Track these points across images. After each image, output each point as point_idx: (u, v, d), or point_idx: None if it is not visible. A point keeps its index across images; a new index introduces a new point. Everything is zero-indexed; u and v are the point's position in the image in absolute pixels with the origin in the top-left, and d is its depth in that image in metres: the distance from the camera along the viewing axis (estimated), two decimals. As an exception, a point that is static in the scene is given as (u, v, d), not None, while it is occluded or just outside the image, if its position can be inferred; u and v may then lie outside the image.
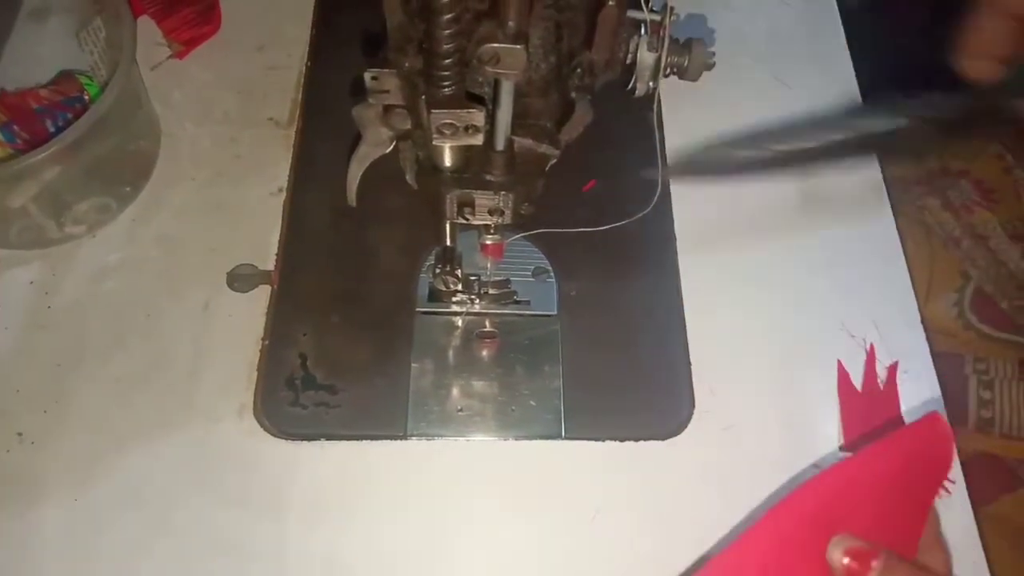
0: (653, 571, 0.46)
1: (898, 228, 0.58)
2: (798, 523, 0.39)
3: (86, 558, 0.45)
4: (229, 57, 0.62)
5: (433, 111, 0.35)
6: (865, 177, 0.59)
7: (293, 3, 0.65)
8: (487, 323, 0.54)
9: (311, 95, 0.60)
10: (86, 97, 0.57)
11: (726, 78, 0.63)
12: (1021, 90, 0.42)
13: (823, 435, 0.50)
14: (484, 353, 0.53)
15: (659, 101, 0.61)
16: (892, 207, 0.60)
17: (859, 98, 0.64)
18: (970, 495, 0.49)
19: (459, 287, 0.51)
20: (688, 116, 0.61)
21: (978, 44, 0.44)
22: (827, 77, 0.64)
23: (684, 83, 0.60)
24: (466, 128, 0.36)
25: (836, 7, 0.68)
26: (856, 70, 0.65)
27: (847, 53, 0.66)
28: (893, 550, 0.38)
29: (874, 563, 0.36)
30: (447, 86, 0.34)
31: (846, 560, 0.37)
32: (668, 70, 0.39)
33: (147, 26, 0.62)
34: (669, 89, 0.62)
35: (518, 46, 0.33)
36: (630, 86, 0.38)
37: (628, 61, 0.37)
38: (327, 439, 0.49)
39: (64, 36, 0.57)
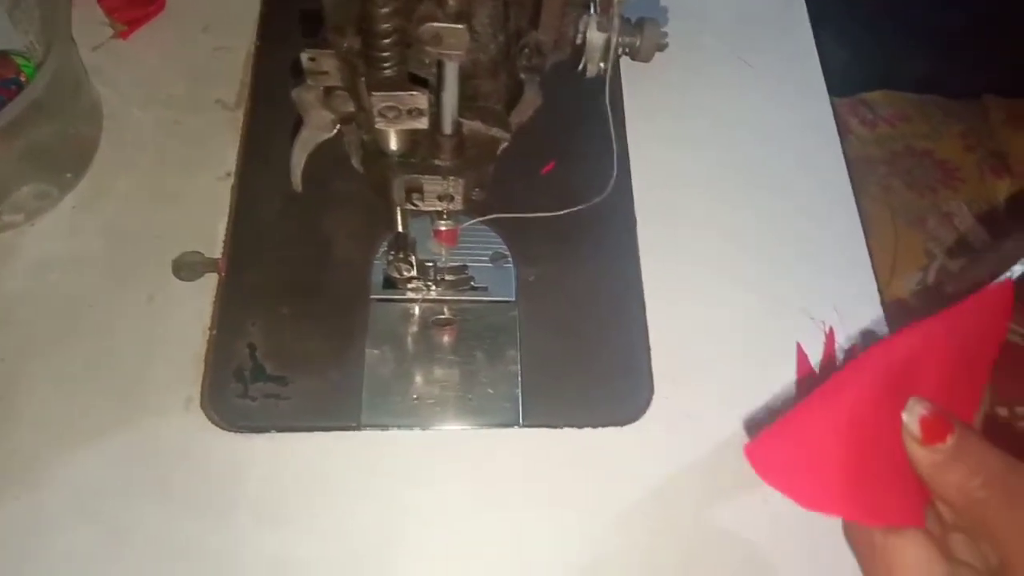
0: (612, 555, 0.46)
1: (860, 209, 0.58)
2: (874, 378, 0.36)
3: (30, 557, 0.44)
4: (174, 37, 0.60)
5: (374, 94, 0.33)
6: (826, 159, 0.59)
7: (241, -20, 0.62)
8: (444, 310, 0.53)
9: (260, 76, 0.58)
10: (23, 78, 0.55)
11: (689, 58, 0.63)
12: None
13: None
14: (441, 340, 0.52)
15: (620, 82, 0.60)
16: (855, 189, 0.59)
17: (822, 80, 0.63)
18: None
19: (414, 274, 0.50)
20: (650, 98, 0.60)
21: None
22: (791, 59, 0.64)
23: (648, 64, 0.60)
24: (409, 111, 0.34)
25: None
26: (820, 52, 0.65)
27: (810, 34, 0.65)
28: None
29: (949, 438, 0.33)
30: (388, 67, 0.33)
31: (920, 430, 0.34)
32: (620, 51, 0.38)
33: (88, 5, 0.60)
34: (631, 70, 0.61)
35: (460, 25, 0.31)
36: (580, 67, 0.37)
37: (577, 42, 0.36)
38: (277, 431, 0.48)
39: (-3, 15, 0.54)
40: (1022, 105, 0.76)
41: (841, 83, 0.74)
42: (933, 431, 0.34)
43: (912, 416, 0.34)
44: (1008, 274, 0.39)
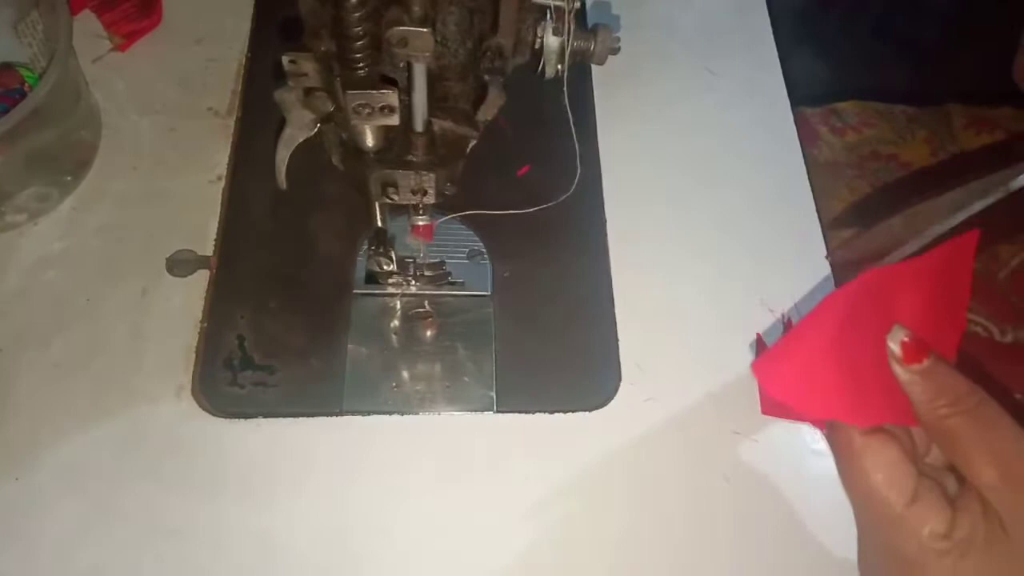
0: (583, 531, 0.48)
1: (829, 210, 0.61)
2: (859, 306, 0.40)
3: (26, 539, 0.47)
4: (170, 49, 0.63)
5: (348, 92, 0.36)
6: (787, 161, 0.62)
7: (233, -4, 0.66)
8: (424, 303, 0.55)
9: (250, 86, 0.62)
10: (27, 88, 0.58)
11: (657, 66, 0.66)
12: None
13: (742, 405, 0.52)
14: (420, 332, 0.55)
15: (591, 88, 0.64)
16: (824, 192, 0.62)
17: (783, 86, 0.66)
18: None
19: (394, 268, 0.53)
20: (621, 102, 0.64)
21: None
22: (754, 67, 0.67)
23: (618, 70, 0.63)
24: (381, 108, 0.37)
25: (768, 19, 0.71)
26: (794, 66, 0.68)
27: (773, 43, 0.68)
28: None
29: (925, 361, 0.36)
30: (360, 68, 0.36)
31: (901, 352, 0.37)
32: (577, 56, 0.41)
33: (88, 20, 0.63)
34: (602, 75, 0.64)
35: (424, 29, 0.34)
36: (539, 70, 0.40)
37: (536, 46, 0.39)
38: (265, 417, 0.50)
39: (2, 29, 0.58)
40: (981, 111, 0.79)
41: (813, 94, 0.77)
42: (912, 354, 0.37)
43: (895, 340, 0.37)
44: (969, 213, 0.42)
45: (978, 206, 0.46)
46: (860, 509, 0.38)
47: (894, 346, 0.37)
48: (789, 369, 0.40)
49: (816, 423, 0.43)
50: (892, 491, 0.36)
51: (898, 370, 0.37)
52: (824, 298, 0.40)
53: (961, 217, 0.46)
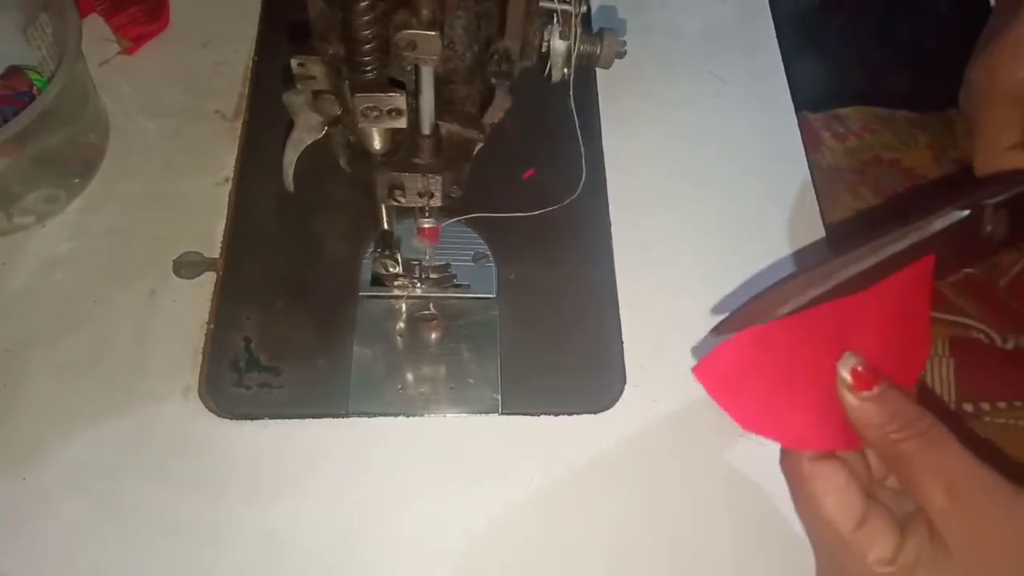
0: (587, 535, 0.48)
1: (831, 214, 0.61)
2: (812, 331, 0.40)
3: (33, 538, 0.47)
4: (177, 53, 0.64)
5: (356, 95, 0.37)
6: (792, 164, 0.62)
7: (240, 0, 0.66)
8: (429, 306, 0.56)
9: (257, 89, 0.62)
10: (35, 91, 0.58)
11: (662, 70, 0.67)
12: None
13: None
14: (425, 334, 0.55)
15: (596, 92, 0.64)
16: (827, 196, 0.62)
17: (787, 90, 0.66)
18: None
19: (399, 271, 0.53)
20: (625, 106, 0.64)
21: (995, 139, 0.45)
22: (759, 71, 0.67)
23: (622, 74, 0.63)
24: (389, 111, 0.37)
25: (767, 5, 0.71)
26: (798, 73, 0.68)
27: (777, 48, 0.69)
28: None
29: (876, 388, 0.37)
30: (369, 71, 0.36)
31: (851, 379, 0.38)
32: (583, 59, 0.41)
33: (97, 23, 0.64)
34: (607, 79, 0.65)
35: (432, 32, 0.35)
36: (546, 73, 0.40)
37: (543, 49, 0.40)
38: (271, 418, 0.51)
39: (12, 33, 0.58)
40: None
41: (815, 99, 0.78)
42: (862, 381, 0.37)
43: (845, 367, 0.38)
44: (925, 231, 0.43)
45: (885, 252, 0.47)
46: (811, 534, 0.39)
47: (845, 373, 0.38)
48: (733, 376, 0.40)
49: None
50: (840, 516, 0.37)
51: (848, 397, 0.38)
52: (777, 322, 0.40)
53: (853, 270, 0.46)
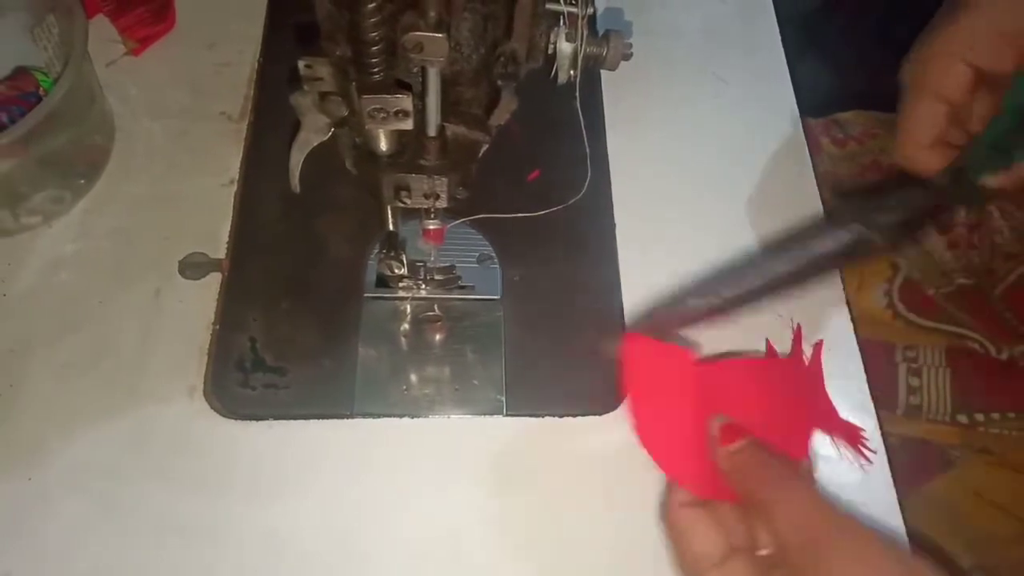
0: (591, 536, 0.49)
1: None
2: (715, 391, 0.48)
3: (37, 537, 0.47)
4: (183, 54, 0.64)
5: (363, 96, 0.37)
6: (796, 168, 0.62)
7: (245, 2, 0.67)
8: (434, 307, 0.56)
9: (262, 91, 0.62)
10: (41, 92, 0.59)
11: (666, 71, 0.67)
12: (982, 169, 0.44)
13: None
14: (430, 336, 0.55)
15: (600, 94, 0.64)
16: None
17: (792, 92, 0.66)
18: (901, 478, 0.52)
19: (404, 272, 0.53)
20: (630, 106, 0.64)
21: (915, 133, 0.46)
22: (762, 72, 0.67)
23: (627, 75, 0.63)
24: (396, 112, 0.38)
25: (771, 5, 0.71)
26: (801, 78, 0.68)
27: (781, 49, 0.69)
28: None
29: (741, 441, 0.43)
30: (376, 73, 0.36)
31: (719, 434, 0.44)
32: (590, 61, 0.41)
33: (103, 25, 0.64)
34: (611, 80, 0.65)
35: (439, 34, 0.35)
36: (552, 75, 0.40)
37: (549, 51, 0.40)
38: (276, 419, 0.51)
39: (19, 33, 0.58)
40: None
41: (815, 104, 0.78)
42: (729, 435, 0.44)
43: (715, 424, 0.44)
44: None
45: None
46: (678, 566, 0.44)
47: (714, 430, 0.44)
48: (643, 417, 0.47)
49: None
50: (702, 552, 0.41)
51: (717, 449, 0.44)
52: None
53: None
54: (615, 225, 0.59)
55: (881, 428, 0.53)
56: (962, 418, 0.64)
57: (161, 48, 0.64)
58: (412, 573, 0.47)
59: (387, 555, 0.48)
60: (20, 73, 0.60)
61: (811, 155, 0.64)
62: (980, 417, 0.64)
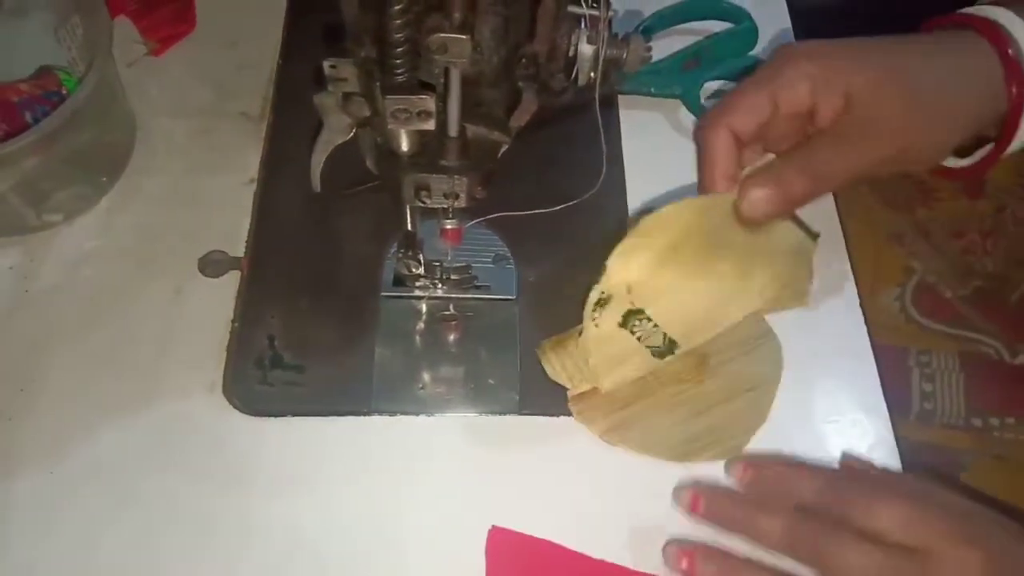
0: (606, 534, 0.49)
1: (844, 227, 0.61)
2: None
3: (59, 528, 0.48)
4: (203, 54, 0.65)
5: (387, 97, 0.37)
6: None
7: (266, 2, 0.67)
8: (450, 307, 0.56)
9: (282, 90, 0.63)
10: (64, 91, 0.59)
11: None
12: None
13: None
14: (446, 335, 0.56)
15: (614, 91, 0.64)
16: (839, 208, 0.62)
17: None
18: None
19: (421, 271, 0.54)
20: (644, 102, 0.64)
21: (710, 164, 0.50)
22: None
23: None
24: (418, 113, 0.38)
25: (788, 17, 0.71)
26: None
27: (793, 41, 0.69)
28: None
29: None
30: (400, 74, 0.37)
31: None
32: (610, 63, 0.42)
33: (125, 25, 0.65)
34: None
35: (463, 36, 0.35)
36: (573, 76, 0.41)
37: (570, 53, 0.40)
38: (294, 416, 0.51)
39: (43, 33, 0.59)
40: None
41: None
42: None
43: None
44: None
45: None
46: None
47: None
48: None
49: None
50: None
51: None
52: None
53: None
54: (630, 227, 0.59)
55: (895, 433, 0.53)
56: (976, 423, 0.64)
57: (182, 48, 0.65)
58: (427, 567, 0.48)
59: (402, 551, 0.48)
60: (44, 72, 0.60)
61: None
62: (994, 422, 0.64)
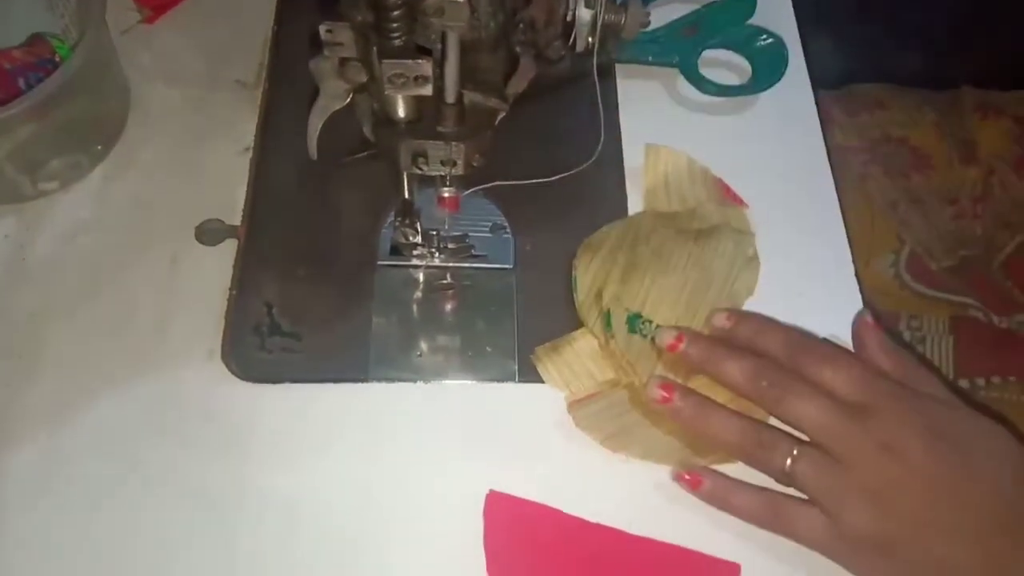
0: (604, 504, 0.49)
1: (840, 195, 0.61)
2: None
3: (58, 496, 0.48)
4: (197, 21, 0.64)
5: (384, 61, 0.37)
6: (808, 145, 0.63)
7: (258, -30, 0.67)
8: (447, 276, 0.57)
9: (277, 58, 0.63)
10: (57, 58, 0.59)
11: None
12: None
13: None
14: (443, 303, 0.56)
15: (612, 62, 0.64)
16: (836, 175, 0.62)
17: (806, 70, 0.66)
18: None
19: (418, 240, 0.54)
20: (641, 73, 0.64)
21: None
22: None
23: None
24: (415, 78, 0.38)
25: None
26: (813, 48, 0.68)
27: (794, 20, 0.68)
28: None
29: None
30: (396, 38, 0.37)
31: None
32: (608, 29, 0.42)
33: (117, -9, 0.64)
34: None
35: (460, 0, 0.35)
36: (571, 42, 0.41)
37: (568, 19, 0.40)
38: (291, 382, 0.51)
39: (35, 1, 0.59)
40: (993, 96, 0.80)
41: (827, 77, 0.77)
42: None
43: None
44: None
45: None
46: None
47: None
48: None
49: None
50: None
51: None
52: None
53: None
54: (627, 196, 0.59)
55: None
56: (964, 384, 0.65)
57: (175, 16, 0.64)
58: (426, 536, 0.48)
59: (399, 517, 0.48)
60: (36, 40, 0.60)
61: (823, 127, 0.64)
62: (981, 382, 0.65)
